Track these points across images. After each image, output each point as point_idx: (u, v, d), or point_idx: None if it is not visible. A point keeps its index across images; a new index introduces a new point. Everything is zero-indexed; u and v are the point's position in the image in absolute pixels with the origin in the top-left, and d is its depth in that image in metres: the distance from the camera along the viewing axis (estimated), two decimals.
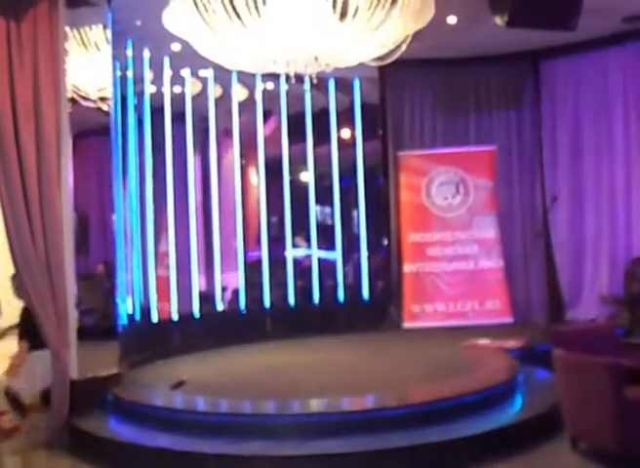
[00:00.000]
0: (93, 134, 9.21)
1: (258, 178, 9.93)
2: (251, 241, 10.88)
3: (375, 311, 9.59)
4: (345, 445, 4.85)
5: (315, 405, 5.52)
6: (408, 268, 9.52)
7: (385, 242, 9.94)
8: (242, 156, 10.03)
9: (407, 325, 9.36)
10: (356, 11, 5.79)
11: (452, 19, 8.04)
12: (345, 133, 10.54)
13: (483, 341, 7.82)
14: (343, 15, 5.78)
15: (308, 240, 10.15)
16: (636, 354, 5.66)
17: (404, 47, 6.51)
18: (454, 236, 9.46)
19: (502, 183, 9.60)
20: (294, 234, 10.26)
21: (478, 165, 9.52)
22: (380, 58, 6.68)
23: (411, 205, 9.63)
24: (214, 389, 6.03)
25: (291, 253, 9.88)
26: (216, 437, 5.07)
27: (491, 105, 9.82)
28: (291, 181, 9.93)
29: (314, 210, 10.00)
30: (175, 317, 8.38)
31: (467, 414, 5.30)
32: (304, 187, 10.03)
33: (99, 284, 9.53)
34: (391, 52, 6.59)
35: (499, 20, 7.07)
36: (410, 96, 9.93)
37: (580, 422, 5.02)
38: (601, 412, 4.73)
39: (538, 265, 9.55)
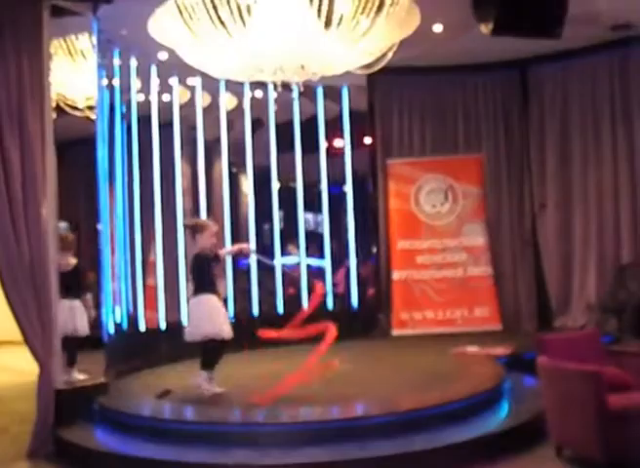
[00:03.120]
0: (82, 142, 9.23)
1: (247, 187, 9.95)
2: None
3: (364, 319, 9.64)
4: (331, 453, 4.86)
5: (301, 413, 5.53)
6: (397, 275, 9.58)
7: (375, 249, 10.00)
8: (231, 165, 10.05)
9: (396, 332, 9.41)
10: (341, 19, 5.84)
11: (438, 28, 8.09)
12: (335, 141, 10.60)
13: (471, 349, 7.85)
14: (328, 23, 5.83)
15: (297, 248, 10.18)
16: (622, 362, 5.69)
17: (390, 55, 6.57)
18: (443, 243, 9.53)
19: (491, 191, 9.68)
20: (284, 242, 10.29)
21: (466, 172, 9.60)
22: (367, 66, 6.73)
23: (400, 212, 9.69)
24: (200, 398, 6.03)
25: (280, 262, 9.89)
26: (201, 446, 5.08)
27: (479, 113, 9.90)
28: (280, 190, 9.95)
29: (303, 218, 10.03)
30: (162, 326, 8.41)
31: (454, 422, 5.33)
32: (293, 195, 10.06)
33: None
34: (378, 60, 6.65)
35: (484, 29, 7.13)
36: (398, 103, 9.99)
37: (563, 430, 5.03)
38: (584, 421, 4.74)
39: (526, 273, 9.61)
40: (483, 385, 6.01)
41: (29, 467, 5.42)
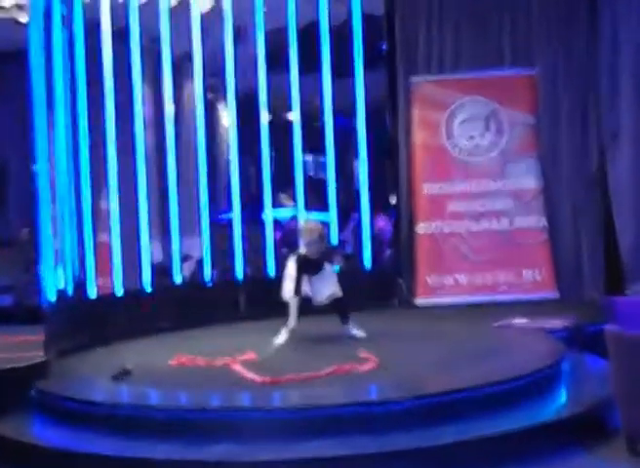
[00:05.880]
0: (11, 57, 9.15)
1: (228, 118, 9.91)
2: (219, 199, 10.93)
3: (380, 284, 9.73)
4: (337, 447, 4.89)
5: (300, 397, 5.55)
6: (422, 229, 9.63)
7: (394, 197, 10.02)
8: (207, 88, 9.99)
9: (421, 301, 9.50)
10: None
11: None
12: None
13: (519, 321, 7.89)
14: None
15: (294, 198, 10.17)
16: None
17: None
18: (482, 186, 9.55)
19: (546, 118, 9.62)
20: (275, 190, 10.28)
21: (514, 94, 9.58)
22: None
23: (427, 147, 9.71)
24: (169, 380, 6.11)
25: (271, 214, 9.91)
26: (171, 439, 5.12)
27: (531, 18, 9.80)
28: (271, 123, 9.90)
29: (301, 159, 10.03)
30: (119, 292, 8.48)
31: (496, 410, 5.35)
32: (288, 130, 10.00)
33: (22, 253, 9.57)
34: None
35: None
36: (426, 4, 9.90)
37: (638, 419, 5.05)
38: None
39: (591, 224, 9.60)
40: (534, 364, 6.01)
41: None
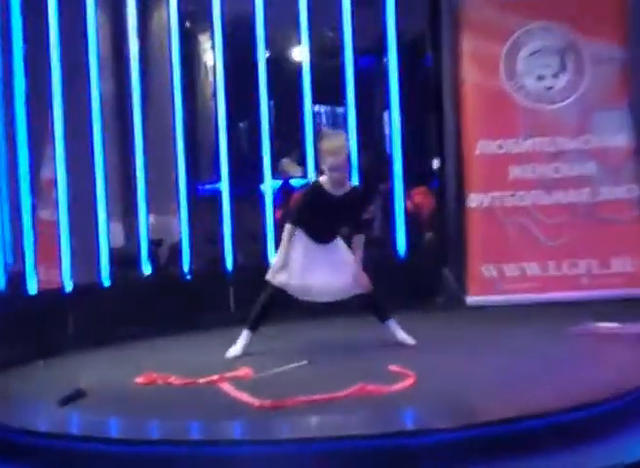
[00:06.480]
0: None
1: (213, 56, 9.91)
2: (202, 165, 10.96)
3: (418, 278, 9.74)
4: None
5: (311, 426, 5.61)
6: (475, 201, 9.63)
7: (437, 161, 10.00)
8: (185, 15, 9.99)
9: (473, 299, 9.54)
10: None
11: None
12: None
13: (605, 325, 7.92)
14: None
15: (303, 163, 10.18)
16: None
17: None
18: (556, 145, 9.55)
19: None
20: (277, 153, 10.30)
21: (598, 20, 9.55)
22: None
23: (481, 92, 9.73)
24: (135, 404, 6.14)
25: (271, 186, 9.93)
26: None
27: None
28: (270, 62, 9.89)
29: (311, 111, 10.04)
30: (68, 287, 8.51)
31: (577, 442, 5.34)
32: (294, 71, 10.00)
33: None
34: None
35: None
36: None
37: None
38: None
39: None
40: (626, 383, 6.02)
41: None
